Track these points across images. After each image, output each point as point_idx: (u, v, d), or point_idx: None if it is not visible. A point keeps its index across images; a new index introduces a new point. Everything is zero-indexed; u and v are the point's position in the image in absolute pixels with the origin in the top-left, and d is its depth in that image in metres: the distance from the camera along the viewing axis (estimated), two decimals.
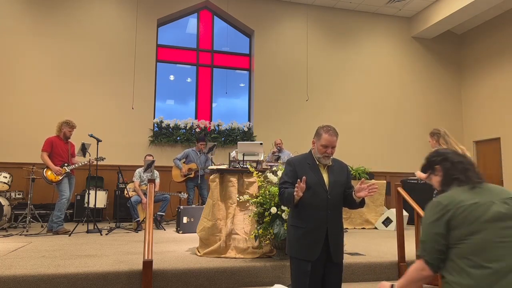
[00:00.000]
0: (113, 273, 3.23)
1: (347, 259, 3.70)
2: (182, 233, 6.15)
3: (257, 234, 3.73)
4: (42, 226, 6.39)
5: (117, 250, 4.34)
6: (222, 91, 9.83)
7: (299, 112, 9.88)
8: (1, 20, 8.41)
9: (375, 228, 7.25)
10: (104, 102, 8.77)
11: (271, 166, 4.45)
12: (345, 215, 7.04)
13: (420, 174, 4.04)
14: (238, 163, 4.62)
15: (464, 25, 10.63)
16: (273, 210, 3.65)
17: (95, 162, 6.27)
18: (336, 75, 10.28)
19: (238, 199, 4.11)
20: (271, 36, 9.99)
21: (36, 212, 6.95)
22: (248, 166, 4.27)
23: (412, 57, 10.86)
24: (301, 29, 10.16)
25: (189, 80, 9.71)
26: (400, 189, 4.10)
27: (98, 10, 8.99)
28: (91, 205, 6.55)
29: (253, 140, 9.23)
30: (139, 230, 6.44)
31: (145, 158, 7.44)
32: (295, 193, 2.61)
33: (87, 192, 6.69)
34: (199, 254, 4.04)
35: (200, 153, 7.59)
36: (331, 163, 2.77)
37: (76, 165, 6.18)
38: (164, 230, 6.63)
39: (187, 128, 9.18)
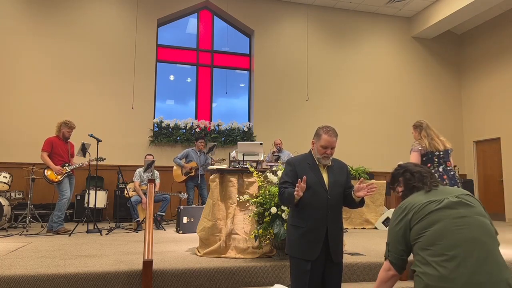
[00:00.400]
0: (113, 273, 3.23)
1: (347, 259, 3.70)
2: (182, 233, 6.15)
3: (257, 234, 3.73)
4: (42, 226, 6.39)
5: (117, 250, 4.34)
6: (222, 91, 9.83)
7: (299, 112, 9.88)
8: (1, 20, 8.41)
9: (375, 228, 7.25)
10: (104, 102, 8.77)
11: (271, 166, 4.45)
12: (345, 215, 7.04)
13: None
14: (238, 163, 4.62)
15: (464, 25, 10.63)
16: (273, 210, 3.65)
17: (93, 162, 6.26)
18: (336, 75, 10.28)
19: (238, 199, 4.11)
20: (271, 36, 9.99)
21: (36, 212, 6.95)
22: (248, 166, 4.28)
23: (412, 57, 10.86)
24: (301, 29, 10.16)
25: (189, 80, 9.72)
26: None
27: (98, 10, 8.99)
28: (91, 205, 6.55)
29: (253, 140, 9.23)
30: (139, 230, 6.44)
31: (145, 158, 7.44)
32: (295, 193, 2.62)
33: (87, 192, 6.70)
34: (199, 254, 4.04)
35: (200, 153, 7.59)
36: (330, 163, 2.78)
37: (77, 165, 6.18)
38: (164, 230, 6.62)
39: (187, 128, 9.19)
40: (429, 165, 4.12)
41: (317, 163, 2.77)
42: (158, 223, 6.83)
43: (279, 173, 3.87)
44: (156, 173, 7.25)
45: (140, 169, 7.10)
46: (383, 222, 7.19)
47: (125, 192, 6.96)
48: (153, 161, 6.96)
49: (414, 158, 4.16)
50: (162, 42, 9.58)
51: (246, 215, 4.11)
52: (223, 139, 9.33)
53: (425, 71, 10.92)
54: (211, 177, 4.28)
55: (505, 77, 9.79)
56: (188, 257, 3.92)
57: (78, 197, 7.77)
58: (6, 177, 6.39)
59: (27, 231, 6.03)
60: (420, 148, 4.18)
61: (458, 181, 4.14)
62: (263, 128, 9.59)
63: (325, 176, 2.75)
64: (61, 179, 5.99)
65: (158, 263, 3.54)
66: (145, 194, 6.82)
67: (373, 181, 7.37)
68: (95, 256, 3.94)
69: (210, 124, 9.40)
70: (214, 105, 9.75)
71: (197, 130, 9.24)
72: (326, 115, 9.96)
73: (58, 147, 6.14)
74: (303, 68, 10.05)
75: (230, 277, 3.47)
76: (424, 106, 10.77)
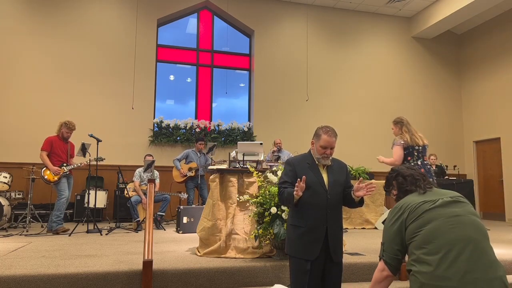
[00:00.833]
0: (113, 273, 3.23)
1: (347, 259, 3.70)
2: (182, 233, 6.15)
3: (257, 234, 3.73)
4: (42, 226, 6.39)
5: (117, 250, 4.34)
6: (222, 91, 9.83)
7: (299, 112, 9.88)
8: (1, 20, 8.41)
9: (375, 228, 7.25)
10: (104, 102, 8.77)
11: (271, 166, 4.45)
12: (345, 215, 7.04)
13: (382, 158, 4.49)
14: (238, 163, 4.62)
15: (464, 25, 10.63)
16: (273, 210, 3.65)
17: (93, 162, 6.26)
18: (336, 75, 10.28)
19: (238, 199, 4.11)
20: (271, 36, 9.99)
21: (36, 212, 6.95)
22: (248, 166, 4.27)
23: (412, 57, 10.86)
24: (301, 29, 10.16)
25: (189, 80, 9.72)
26: None
27: (98, 10, 8.99)
28: (91, 205, 6.56)
29: (253, 140, 9.24)
30: (139, 230, 6.44)
31: (145, 158, 7.44)
32: (294, 192, 2.62)
33: (87, 192, 6.69)
34: (199, 254, 4.04)
35: (199, 154, 7.60)
36: (330, 163, 2.78)
37: (75, 165, 6.18)
38: (164, 230, 6.63)
39: (187, 128, 9.18)
40: (409, 158, 4.38)
41: (317, 163, 2.78)
42: (158, 223, 6.83)
43: (279, 173, 3.87)
44: (156, 173, 7.25)
45: (140, 169, 7.10)
46: (383, 222, 7.19)
47: (125, 192, 6.96)
48: (153, 161, 6.96)
49: (397, 151, 4.40)
50: (162, 42, 9.58)
51: (246, 215, 4.11)
52: (223, 139, 9.33)
53: (425, 71, 10.92)
54: (211, 177, 4.28)
55: (505, 77, 9.79)
56: (188, 257, 3.92)
57: (78, 197, 7.78)
58: (6, 177, 6.39)
59: (27, 231, 6.03)
60: (402, 142, 4.42)
61: (433, 174, 4.45)
62: (263, 128, 9.59)
63: (324, 176, 2.75)
64: (58, 179, 5.99)
65: (158, 263, 3.54)
66: (145, 194, 6.82)
67: (372, 181, 7.37)
68: (95, 256, 3.95)
69: (210, 124, 9.40)
70: (214, 105, 9.75)
71: (197, 130, 9.24)
72: (326, 115, 9.96)
73: (58, 147, 6.14)
74: (303, 68, 10.05)
75: (230, 277, 3.47)
76: (424, 106, 10.77)
